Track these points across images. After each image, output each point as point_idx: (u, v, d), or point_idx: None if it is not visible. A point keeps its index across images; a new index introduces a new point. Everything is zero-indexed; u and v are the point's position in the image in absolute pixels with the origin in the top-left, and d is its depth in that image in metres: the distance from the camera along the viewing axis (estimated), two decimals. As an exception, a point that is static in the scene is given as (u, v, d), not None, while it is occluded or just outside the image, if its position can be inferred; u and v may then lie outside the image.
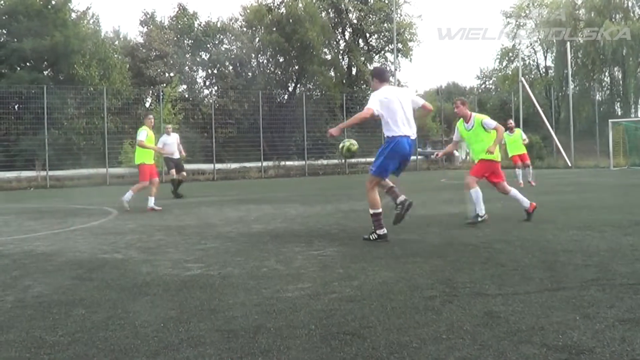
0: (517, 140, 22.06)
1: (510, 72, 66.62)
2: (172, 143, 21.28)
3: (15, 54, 44.95)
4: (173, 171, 21.50)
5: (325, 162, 45.74)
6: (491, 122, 11.32)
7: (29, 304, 5.67)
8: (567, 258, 7.15)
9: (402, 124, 9.20)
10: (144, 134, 16.44)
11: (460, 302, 5.16)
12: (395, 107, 9.19)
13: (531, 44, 66.76)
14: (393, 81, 53.63)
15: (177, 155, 21.40)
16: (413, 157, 49.80)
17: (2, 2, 47.78)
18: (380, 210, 9.20)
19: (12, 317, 5.23)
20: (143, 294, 5.94)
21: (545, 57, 67.21)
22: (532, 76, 65.16)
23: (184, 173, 21.82)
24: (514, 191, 11.48)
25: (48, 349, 4.32)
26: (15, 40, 45.65)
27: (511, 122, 23.21)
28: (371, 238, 9.14)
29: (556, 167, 41.32)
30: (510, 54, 66.72)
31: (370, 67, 62.56)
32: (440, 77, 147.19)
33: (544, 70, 67.54)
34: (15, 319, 5.16)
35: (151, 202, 16.37)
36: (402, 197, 9.36)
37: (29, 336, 4.63)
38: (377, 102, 9.13)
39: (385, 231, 9.14)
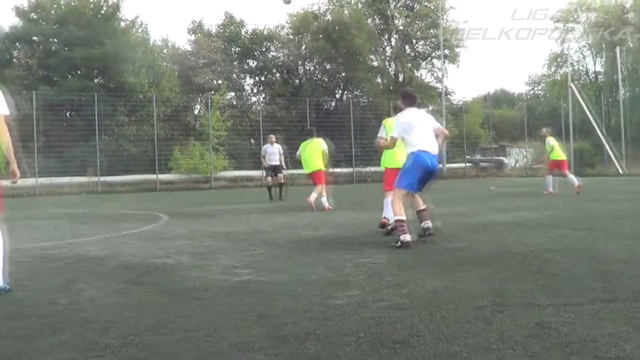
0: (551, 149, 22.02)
1: (559, 78, 65.70)
2: (274, 152, 23.22)
3: (67, 62, 45.65)
4: (269, 178, 23.60)
5: (373, 169, 45.58)
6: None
7: (82, 307, 5.76)
8: (619, 268, 7.04)
9: (421, 141, 9.63)
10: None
11: (511, 312, 5.10)
12: (414, 126, 9.73)
13: (580, 49, 65.97)
14: (440, 87, 53.47)
15: (276, 163, 23.14)
16: (462, 165, 49.90)
17: (53, 12, 48.52)
18: (403, 217, 9.36)
19: (65, 319, 5.31)
20: (193, 299, 5.99)
21: (595, 62, 66.39)
22: (582, 82, 64.32)
23: (280, 176, 23.29)
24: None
25: (100, 351, 4.38)
26: (67, 48, 46.36)
27: (543, 130, 23.15)
28: (397, 245, 9.23)
29: (608, 175, 40.74)
30: (559, 59, 65.85)
31: (418, 74, 62.57)
32: (488, 83, 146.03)
33: (593, 75, 66.68)
34: (68, 321, 5.23)
35: (325, 201, 17.45)
36: (427, 223, 9.73)
37: (82, 338, 4.69)
38: (397, 130, 9.88)
39: (408, 238, 9.19)
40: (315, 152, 18.06)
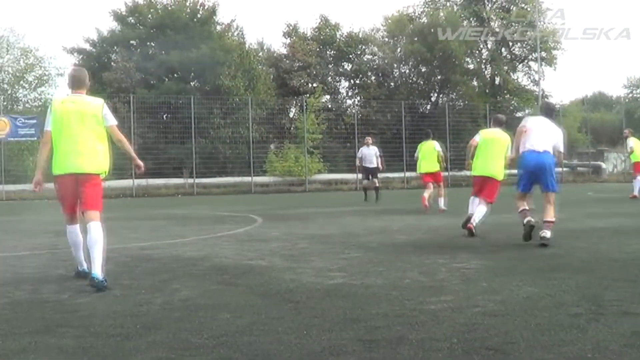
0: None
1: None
2: (370, 155, 23.52)
3: (164, 65, 46.49)
4: (365, 181, 24.43)
5: (468, 173, 45.16)
6: None
7: (176, 307, 5.87)
8: None
9: (531, 143, 10.25)
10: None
11: (607, 321, 5.00)
12: (534, 129, 10.36)
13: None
14: (537, 90, 52.54)
15: (372, 166, 23.44)
16: (558, 170, 48.98)
17: (150, 16, 49.50)
18: (524, 207, 10.34)
19: (160, 318, 5.42)
20: (286, 301, 6.04)
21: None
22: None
23: (375, 180, 23.87)
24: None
25: (194, 350, 4.45)
26: (163, 52, 47.21)
27: (625, 130, 22.94)
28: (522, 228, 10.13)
29: None
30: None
31: (514, 77, 61.76)
32: (585, 86, 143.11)
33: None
34: (163, 320, 5.34)
35: (441, 203, 18.39)
36: (545, 233, 9.91)
37: (176, 338, 4.78)
38: (524, 122, 10.62)
39: (530, 220, 9.95)
40: (430, 153, 18.87)
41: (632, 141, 21.88)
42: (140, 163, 7.94)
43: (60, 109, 7.45)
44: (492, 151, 12.20)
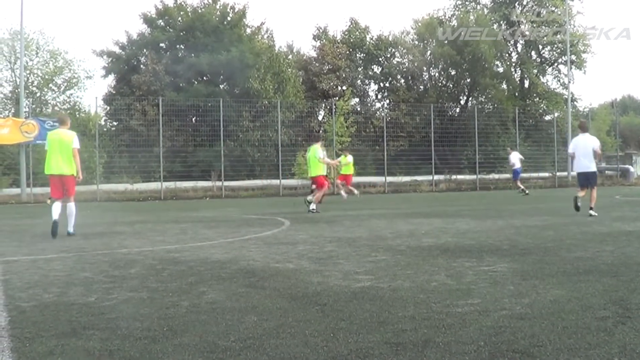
0: None
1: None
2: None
3: (193, 68, 46.78)
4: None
5: (497, 176, 45.03)
6: None
7: (203, 310, 5.87)
8: None
9: None
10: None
11: (634, 324, 4.96)
12: None
13: None
14: (566, 94, 52.32)
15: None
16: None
17: (179, 19, 49.75)
18: None
19: (187, 321, 5.41)
20: (313, 304, 6.03)
21: None
22: None
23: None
24: None
25: (220, 353, 4.44)
26: (193, 55, 47.47)
27: None
28: None
29: None
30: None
31: (543, 80, 61.70)
32: (615, 89, 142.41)
33: None
34: (190, 323, 5.34)
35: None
36: None
37: (202, 340, 4.77)
38: None
39: None
40: None
41: None
42: (80, 176, 13.83)
43: (51, 138, 13.89)
44: None
